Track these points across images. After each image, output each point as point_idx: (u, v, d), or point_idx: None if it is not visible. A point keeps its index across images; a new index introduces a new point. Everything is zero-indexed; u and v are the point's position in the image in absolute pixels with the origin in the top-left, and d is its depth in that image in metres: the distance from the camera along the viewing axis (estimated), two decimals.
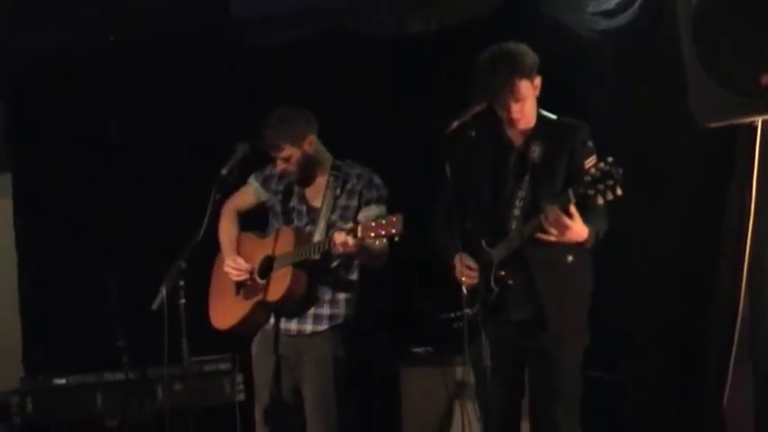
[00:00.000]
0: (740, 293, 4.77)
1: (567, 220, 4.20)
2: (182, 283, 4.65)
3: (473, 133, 4.47)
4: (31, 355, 6.70)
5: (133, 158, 6.58)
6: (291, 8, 6.43)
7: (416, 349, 5.91)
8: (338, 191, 4.92)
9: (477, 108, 4.44)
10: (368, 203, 4.89)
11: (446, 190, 4.40)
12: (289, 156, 4.92)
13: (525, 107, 4.48)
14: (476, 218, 4.46)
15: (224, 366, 5.91)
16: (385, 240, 4.68)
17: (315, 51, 6.39)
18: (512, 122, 4.51)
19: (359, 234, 4.50)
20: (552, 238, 4.27)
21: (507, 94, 4.42)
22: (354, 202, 4.91)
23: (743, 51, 4.35)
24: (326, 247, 4.70)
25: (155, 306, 4.61)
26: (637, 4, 5.18)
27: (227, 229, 5.12)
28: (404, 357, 5.95)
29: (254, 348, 5.09)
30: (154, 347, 4.71)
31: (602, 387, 5.23)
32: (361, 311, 5.04)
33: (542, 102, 4.59)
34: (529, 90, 4.47)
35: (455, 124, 4.41)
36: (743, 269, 4.74)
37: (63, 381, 6.09)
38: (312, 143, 4.94)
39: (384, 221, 4.47)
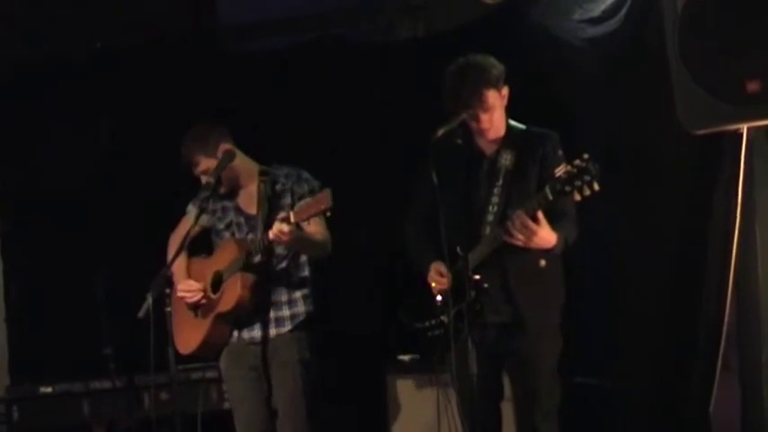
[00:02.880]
0: (726, 299, 4.78)
1: (533, 226, 4.29)
2: (168, 290, 4.68)
3: (459, 141, 4.54)
4: (16, 363, 6.66)
5: (121, 166, 6.55)
6: (279, 15, 6.43)
7: (402, 357, 5.86)
8: (270, 193, 4.93)
9: (464, 116, 4.50)
10: (301, 198, 4.88)
11: (431, 196, 4.40)
12: (207, 169, 4.94)
13: (494, 117, 4.59)
14: (451, 224, 4.45)
15: (210, 374, 5.81)
16: (325, 231, 4.80)
17: (302, 58, 6.37)
18: (481, 132, 4.62)
19: (292, 219, 4.54)
20: (519, 243, 4.35)
21: (476, 105, 4.51)
22: (288, 200, 4.92)
23: (729, 58, 4.36)
24: (265, 243, 4.73)
25: (141, 314, 4.58)
26: (623, 12, 5.17)
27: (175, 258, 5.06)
28: (390, 365, 5.88)
29: (223, 365, 5.08)
30: (140, 355, 4.68)
31: (589, 393, 5.25)
32: (349, 318, 5.03)
33: (531, 108, 4.65)
34: (497, 100, 4.57)
35: (441, 132, 4.43)
36: (729, 274, 4.75)
37: (49, 389, 6.03)
38: (227, 151, 4.94)
39: (312, 201, 4.53)
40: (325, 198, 4.47)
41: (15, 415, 5.98)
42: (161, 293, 4.64)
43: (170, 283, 4.88)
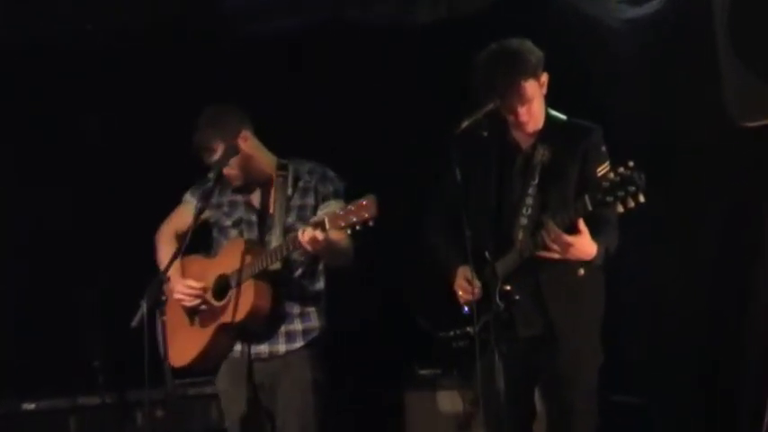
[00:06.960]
0: None
1: (567, 239, 4.06)
2: (163, 298, 4.47)
3: (485, 133, 4.29)
4: None
5: (111, 167, 6.37)
6: None
7: (423, 371, 5.79)
8: (290, 190, 4.66)
9: (491, 106, 4.24)
10: (325, 199, 4.62)
11: (453, 194, 4.17)
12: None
13: (533, 108, 4.33)
14: (479, 226, 4.24)
15: (209, 390, 5.58)
16: (348, 238, 4.47)
17: (314, 42, 6.23)
18: (519, 125, 4.37)
19: (327, 226, 4.22)
20: (555, 256, 4.14)
21: (513, 98, 4.26)
22: (311, 200, 4.65)
23: None
24: (287, 251, 4.45)
25: (134, 323, 4.33)
26: None
27: (168, 255, 4.72)
28: (409, 380, 5.83)
29: (221, 382, 4.79)
30: (133, 368, 4.43)
31: (628, 412, 5.18)
32: (363, 325, 4.83)
33: (559, 98, 4.40)
34: (535, 90, 4.31)
35: (465, 123, 4.20)
36: None
37: (32, 405, 5.84)
38: (247, 139, 4.65)
39: (354, 207, 4.19)
40: (370, 206, 4.13)
41: None
42: (156, 301, 4.42)
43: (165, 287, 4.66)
